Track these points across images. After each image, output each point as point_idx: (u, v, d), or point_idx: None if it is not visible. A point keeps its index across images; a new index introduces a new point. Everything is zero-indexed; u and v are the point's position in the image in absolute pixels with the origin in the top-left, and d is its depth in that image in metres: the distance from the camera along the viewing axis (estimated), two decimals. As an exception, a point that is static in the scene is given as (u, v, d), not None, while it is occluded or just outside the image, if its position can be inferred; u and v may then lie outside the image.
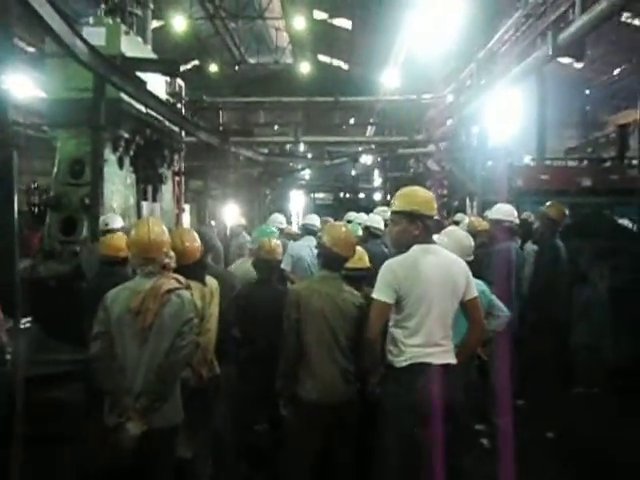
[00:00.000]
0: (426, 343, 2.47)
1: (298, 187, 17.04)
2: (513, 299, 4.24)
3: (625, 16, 12.79)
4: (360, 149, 12.40)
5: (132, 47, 6.16)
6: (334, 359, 2.76)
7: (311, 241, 5.22)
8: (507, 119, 10.09)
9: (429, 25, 10.20)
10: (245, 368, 3.30)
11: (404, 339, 2.49)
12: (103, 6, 6.30)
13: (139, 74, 5.84)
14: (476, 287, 3.27)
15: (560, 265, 4.45)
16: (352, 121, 19.40)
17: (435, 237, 3.42)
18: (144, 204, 6.83)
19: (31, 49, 11.90)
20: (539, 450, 4.15)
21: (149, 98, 5.83)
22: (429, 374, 2.46)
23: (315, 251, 5.26)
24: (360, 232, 5.10)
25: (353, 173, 19.78)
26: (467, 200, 9.16)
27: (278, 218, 5.95)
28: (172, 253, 2.73)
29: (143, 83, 5.87)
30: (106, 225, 4.92)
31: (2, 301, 4.04)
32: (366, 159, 17.42)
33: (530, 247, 5.21)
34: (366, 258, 3.24)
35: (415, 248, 2.56)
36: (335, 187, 17.56)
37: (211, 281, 3.13)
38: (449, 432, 2.41)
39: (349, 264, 3.03)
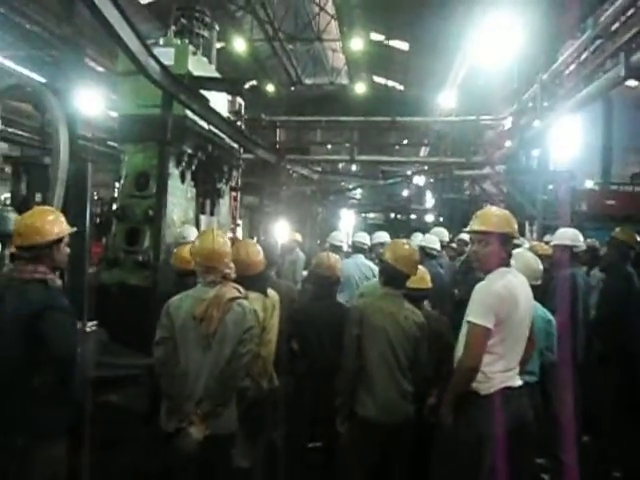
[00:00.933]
0: (508, 368, 2.42)
1: (350, 206, 17.05)
2: (579, 328, 4.06)
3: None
4: (414, 170, 12.32)
5: (198, 67, 6.39)
6: (394, 378, 2.73)
7: (360, 259, 5.19)
8: (570, 142, 9.81)
9: (488, 45, 10.10)
10: (302, 383, 3.29)
11: (490, 366, 2.40)
12: (173, 28, 6.59)
13: (203, 92, 6.06)
14: (543, 315, 3.18)
15: (632, 293, 4.22)
16: (405, 141, 19.37)
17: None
18: (202, 217, 7.00)
19: (100, 68, 12.62)
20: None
21: (213, 116, 6.01)
22: (511, 397, 2.39)
23: (363, 269, 5.24)
24: None
25: (405, 194, 19.64)
26: (526, 224, 8.90)
27: (338, 236, 5.94)
28: (232, 264, 2.80)
29: (207, 101, 6.08)
30: (183, 238, 5.11)
31: (72, 305, 4.24)
32: (419, 180, 17.28)
33: (597, 274, 4.98)
34: (428, 278, 3.19)
35: (502, 270, 2.49)
36: (387, 207, 17.47)
37: (272, 293, 3.16)
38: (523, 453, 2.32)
39: (411, 283, 2.99)
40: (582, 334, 4.17)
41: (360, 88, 20.11)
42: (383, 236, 5.45)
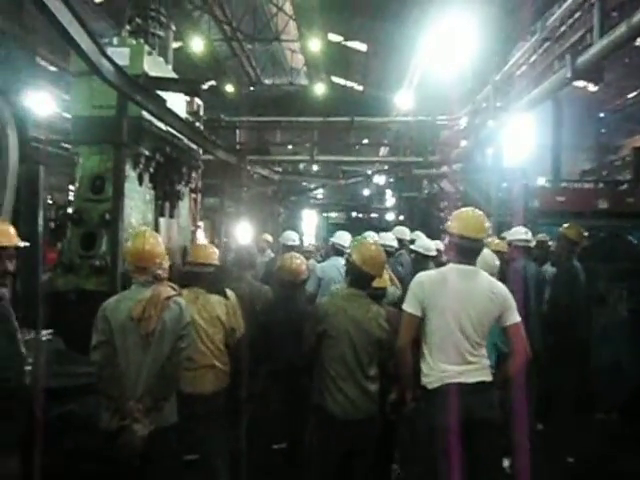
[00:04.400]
0: (453, 362, 2.48)
1: (311, 206, 17.11)
2: (532, 317, 4.21)
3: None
4: (374, 169, 12.47)
5: (154, 67, 6.29)
6: (354, 378, 2.77)
7: (339, 261, 5.15)
8: (522, 141, 10.12)
9: (443, 47, 10.32)
10: (264, 386, 3.29)
11: (432, 355, 2.49)
12: (127, 27, 6.46)
13: (160, 93, 5.97)
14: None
15: (578, 287, 4.42)
16: (366, 141, 19.56)
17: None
18: (161, 220, 6.89)
19: (53, 68, 12.22)
20: (558, 475, 4.07)
21: (170, 116, 5.93)
22: (461, 394, 2.45)
23: (343, 271, 5.20)
24: None
25: (367, 193, 19.84)
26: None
27: (290, 235, 5.94)
28: (165, 264, 2.87)
29: (164, 102, 5.99)
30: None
31: (24, 313, 4.10)
32: (379, 179, 17.49)
33: (549, 269, 5.18)
34: (387, 277, 3.25)
35: (450, 266, 2.59)
36: (348, 207, 17.60)
37: (230, 294, 3.24)
38: (482, 451, 2.39)
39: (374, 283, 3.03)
40: (536, 324, 4.32)
41: (319, 88, 20.17)
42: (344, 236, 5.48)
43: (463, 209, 2.83)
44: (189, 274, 3.23)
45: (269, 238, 7.23)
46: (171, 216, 7.37)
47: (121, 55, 6.11)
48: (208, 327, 3.03)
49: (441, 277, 2.57)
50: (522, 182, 8.62)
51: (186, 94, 6.09)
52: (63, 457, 3.57)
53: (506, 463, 4.04)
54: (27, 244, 4.16)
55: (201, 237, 13.07)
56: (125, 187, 5.98)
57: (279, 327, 3.32)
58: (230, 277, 3.89)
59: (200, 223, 13.14)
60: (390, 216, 18.59)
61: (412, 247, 5.45)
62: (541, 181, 10.46)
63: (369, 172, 11.94)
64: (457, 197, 9.90)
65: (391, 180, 16.15)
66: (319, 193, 19.27)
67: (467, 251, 2.59)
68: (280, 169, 12.60)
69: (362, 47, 17.90)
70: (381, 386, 2.83)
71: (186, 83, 5.87)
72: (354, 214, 17.99)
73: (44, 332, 4.10)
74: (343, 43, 18.25)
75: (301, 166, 14.78)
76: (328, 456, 2.74)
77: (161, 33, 7.01)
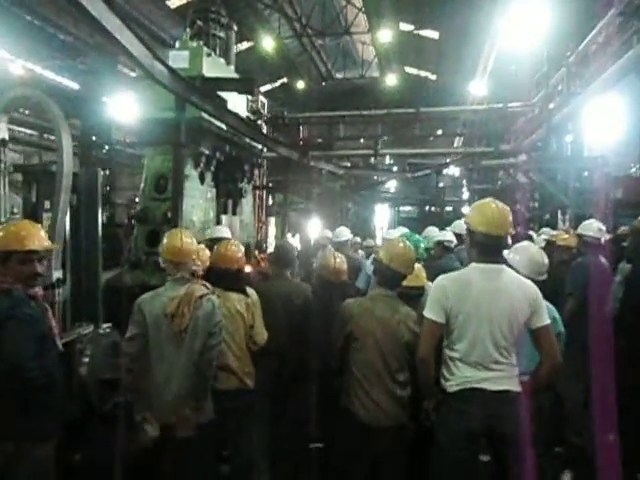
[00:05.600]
0: (478, 367, 2.30)
1: (382, 200, 16.84)
2: (591, 318, 3.86)
3: None
4: (443, 161, 12.04)
5: (214, 68, 6.44)
6: (383, 382, 2.65)
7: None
8: (607, 126, 9.33)
9: (517, 31, 9.75)
10: (298, 385, 3.25)
11: (455, 362, 2.34)
12: (188, 30, 6.66)
13: (221, 94, 6.09)
14: (549, 313, 3.00)
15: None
16: (440, 132, 18.96)
17: (505, 253, 3.21)
18: (224, 217, 7.06)
19: (134, 74, 12.93)
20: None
21: (227, 116, 6.04)
22: (483, 401, 2.27)
23: None
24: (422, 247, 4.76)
25: (441, 185, 19.22)
26: (559, 213, 8.55)
27: (342, 232, 5.85)
28: (199, 262, 2.92)
29: (223, 102, 6.11)
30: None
31: (85, 308, 4.35)
32: (452, 171, 16.90)
33: (625, 267, 4.73)
34: (423, 275, 3.08)
35: (472, 266, 2.40)
36: (420, 200, 17.12)
37: (251, 292, 3.27)
38: (505, 466, 2.21)
39: (406, 282, 2.90)
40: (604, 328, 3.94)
41: (391, 80, 19.82)
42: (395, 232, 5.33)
43: (483, 201, 2.59)
44: (213, 274, 3.26)
45: (330, 234, 7.19)
46: (234, 213, 7.54)
47: (181, 58, 6.33)
48: (229, 324, 3.04)
49: (464, 279, 2.38)
50: (604, 171, 7.95)
51: (240, 93, 6.17)
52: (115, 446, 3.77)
53: (567, 478, 3.76)
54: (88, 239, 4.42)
55: (271, 233, 13.35)
56: (186, 186, 6.19)
57: (314, 327, 3.26)
58: (269, 275, 3.90)
59: (271, 219, 13.42)
60: (466, 209, 17.91)
61: (438, 238, 5.14)
62: (628, 169, 9.59)
63: (437, 164, 11.49)
64: (532, 188, 9.33)
65: (465, 171, 15.53)
66: (392, 187, 18.95)
67: (491, 249, 2.39)
68: (349, 164, 12.52)
69: (434, 35, 17.35)
70: (415, 392, 2.67)
71: (239, 82, 5.95)
72: (427, 208, 17.45)
73: (103, 326, 4.33)
74: (415, 32, 17.79)
75: (373, 160, 14.62)
76: (355, 462, 2.65)
77: (221, 34, 7.15)
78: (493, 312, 2.31)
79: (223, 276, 3.16)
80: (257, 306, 3.20)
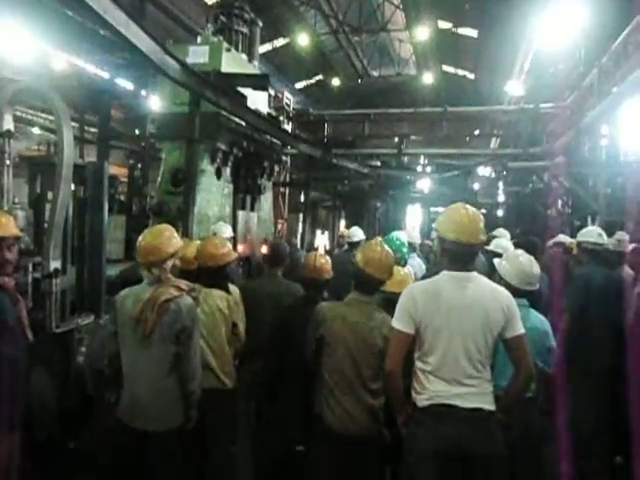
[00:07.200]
0: (450, 382, 2.18)
1: (412, 200, 16.55)
2: (592, 332, 3.67)
3: None
4: (476, 162, 11.73)
5: (233, 63, 6.45)
6: (354, 391, 2.53)
7: (414, 259, 4.90)
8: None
9: (556, 29, 9.41)
10: (281, 386, 3.19)
11: (427, 375, 2.23)
12: (209, 25, 6.70)
13: (243, 90, 6.09)
14: (538, 326, 2.85)
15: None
16: (477, 132, 18.51)
17: (496, 261, 3.07)
18: (240, 213, 7.07)
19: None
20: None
21: (243, 111, 6.04)
22: (454, 418, 2.16)
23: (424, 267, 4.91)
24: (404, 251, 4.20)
25: (476, 186, 18.75)
26: (589, 220, 8.19)
27: (356, 232, 5.68)
28: (170, 263, 2.74)
29: (243, 97, 6.11)
30: (214, 234, 5.19)
31: (88, 299, 4.42)
32: (487, 172, 16.44)
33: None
34: (409, 280, 2.96)
35: (443, 274, 2.29)
36: (452, 201, 16.71)
37: (233, 288, 3.22)
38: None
39: (390, 287, 2.79)
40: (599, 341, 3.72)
41: (428, 78, 19.50)
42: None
43: (454, 206, 2.46)
44: (199, 271, 3.23)
45: (347, 233, 7.10)
46: (252, 209, 7.55)
47: (201, 53, 6.37)
48: (208, 321, 3.01)
49: (434, 288, 2.26)
50: (638, 176, 7.54)
51: (254, 89, 6.15)
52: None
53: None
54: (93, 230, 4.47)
55: (300, 230, 13.32)
56: (202, 181, 6.24)
57: (297, 327, 3.20)
58: (261, 273, 3.86)
59: (299, 216, 13.39)
60: (500, 212, 17.44)
61: (487, 248, 4.94)
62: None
63: (463, 165, 11.17)
64: (562, 192, 8.97)
65: (500, 173, 15.07)
66: (425, 187, 18.60)
67: (462, 256, 2.27)
68: (379, 163, 12.34)
69: (473, 33, 16.93)
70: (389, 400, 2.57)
71: (253, 78, 5.93)
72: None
73: (105, 317, 4.39)
74: (453, 30, 17.42)
75: (406, 159, 14.36)
76: (326, 471, 2.57)
77: (244, 30, 7.16)
78: (465, 324, 2.19)
79: (204, 273, 3.14)
80: (239, 303, 3.16)
